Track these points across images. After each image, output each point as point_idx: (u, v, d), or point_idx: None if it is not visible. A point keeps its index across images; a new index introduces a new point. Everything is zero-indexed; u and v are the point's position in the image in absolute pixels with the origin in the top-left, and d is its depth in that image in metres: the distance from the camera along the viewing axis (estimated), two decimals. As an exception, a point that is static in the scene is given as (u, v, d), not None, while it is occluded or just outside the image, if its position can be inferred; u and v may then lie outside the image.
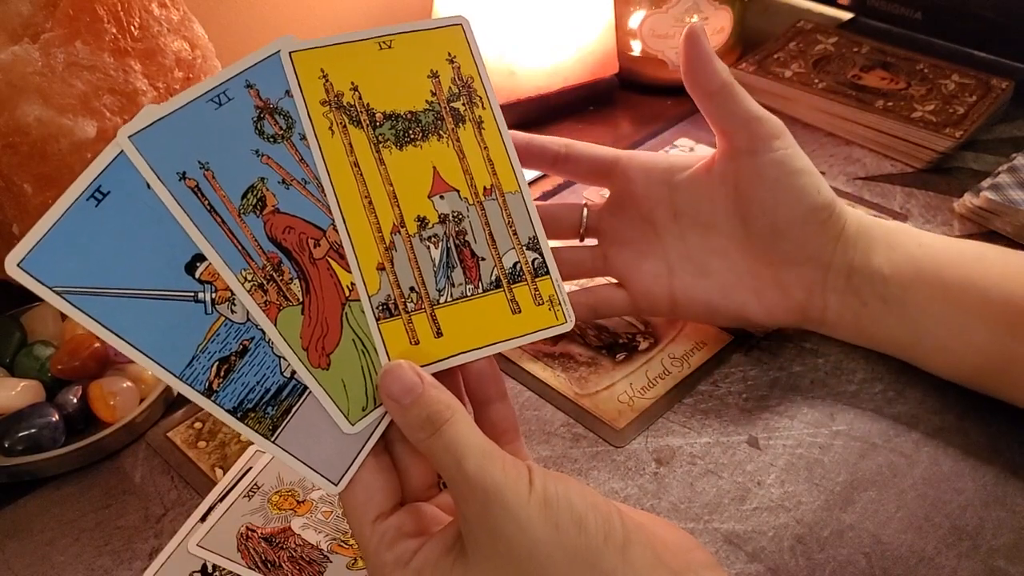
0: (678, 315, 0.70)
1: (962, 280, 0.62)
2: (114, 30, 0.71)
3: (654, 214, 0.68)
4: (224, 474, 0.63)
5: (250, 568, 0.56)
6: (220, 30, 0.96)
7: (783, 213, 0.64)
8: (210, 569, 0.57)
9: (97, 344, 0.67)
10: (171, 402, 0.68)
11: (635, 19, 1.02)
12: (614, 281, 0.70)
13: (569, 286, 0.71)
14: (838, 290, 0.65)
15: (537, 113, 0.99)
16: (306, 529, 0.59)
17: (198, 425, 0.67)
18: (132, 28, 0.72)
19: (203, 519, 0.59)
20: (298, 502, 0.60)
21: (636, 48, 1.04)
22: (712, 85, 0.63)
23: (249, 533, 0.58)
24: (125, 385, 0.66)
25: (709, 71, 0.63)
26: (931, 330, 0.63)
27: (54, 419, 0.63)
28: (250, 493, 0.61)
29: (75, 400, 0.65)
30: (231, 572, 0.56)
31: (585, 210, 0.70)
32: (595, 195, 0.87)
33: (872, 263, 0.64)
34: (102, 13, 0.70)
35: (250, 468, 0.63)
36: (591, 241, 0.71)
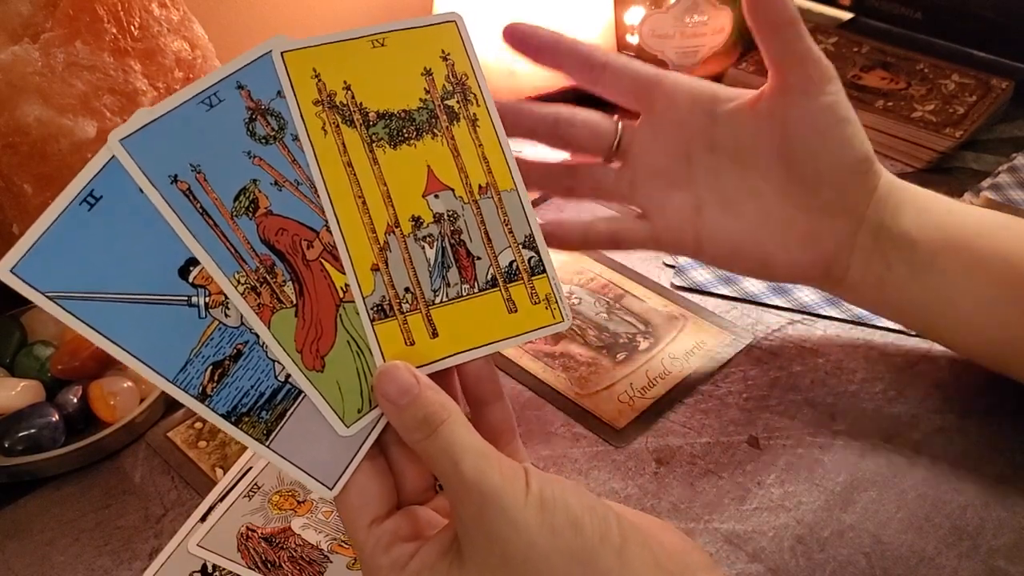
0: (700, 255, 0.66)
1: (989, 249, 0.61)
2: (114, 30, 0.71)
3: (691, 143, 0.65)
4: (224, 474, 0.63)
5: (250, 568, 0.56)
6: (220, 30, 0.96)
7: (828, 159, 0.61)
8: (210, 569, 0.57)
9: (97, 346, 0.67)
10: (171, 402, 0.68)
11: (635, 19, 1.02)
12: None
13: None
14: (865, 249, 0.62)
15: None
16: (306, 529, 0.59)
17: (198, 425, 0.67)
18: (132, 28, 0.72)
19: (203, 519, 0.59)
20: (298, 502, 0.60)
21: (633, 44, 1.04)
22: (780, 18, 0.60)
23: (249, 533, 0.58)
24: (125, 385, 0.66)
25: (779, 3, 0.60)
26: (955, 300, 0.62)
27: (54, 419, 0.64)
28: (250, 493, 0.61)
29: (75, 400, 0.66)
30: (231, 572, 0.57)
31: (620, 125, 0.66)
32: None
33: (901, 225, 0.62)
34: (102, 13, 0.70)
35: (250, 468, 0.63)
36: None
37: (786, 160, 0.62)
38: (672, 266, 0.80)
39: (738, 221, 0.64)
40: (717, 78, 1.05)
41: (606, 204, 0.69)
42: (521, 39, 0.64)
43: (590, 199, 0.68)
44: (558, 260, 0.74)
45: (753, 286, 0.77)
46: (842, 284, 0.65)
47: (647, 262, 0.80)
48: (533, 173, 0.65)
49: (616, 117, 0.66)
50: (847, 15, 1.19)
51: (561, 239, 0.65)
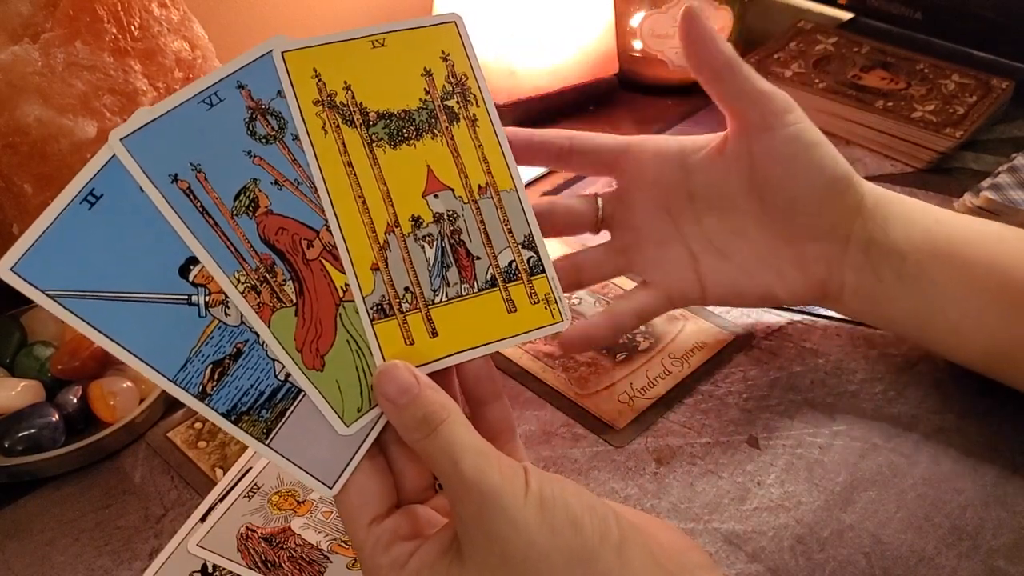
0: (709, 301, 0.67)
1: (980, 259, 0.62)
2: (114, 30, 0.71)
3: (669, 200, 0.66)
4: (224, 474, 0.63)
5: (250, 568, 0.56)
6: (220, 30, 0.96)
7: (801, 187, 0.63)
8: (210, 569, 0.57)
9: (96, 344, 0.67)
10: (171, 402, 0.68)
11: (635, 19, 1.02)
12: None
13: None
14: (856, 265, 0.64)
15: (537, 113, 0.99)
16: (306, 529, 0.59)
17: (198, 425, 0.67)
18: (132, 28, 0.72)
19: (203, 519, 0.59)
20: (298, 502, 0.60)
21: (637, 46, 1.04)
22: (716, 63, 0.62)
23: (249, 533, 0.58)
24: (125, 385, 0.66)
25: (712, 49, 0.62)
26: (945, 310, 0.63)
27: (54, 419, 0.64)
28: (250, 493, 0.61)
29: (75, 400, 0.66)
30: (231, 572, 0.56)
31: (599, 199, 0.68)
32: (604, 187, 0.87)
33: (890, 238, 0.63)
34: (102, 13, 0.70)
35: (250, 468, 0.63)
36: (603, 235, 0.69)
37: (759, 196, 0.64)
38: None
39: (731, 262, 0.66)
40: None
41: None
42: None
43: (596, 283, 0.70)
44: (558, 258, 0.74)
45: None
46: (840, 301, 0.66)
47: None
48: None
49: (594, 194, 0.68)
50: (847, 15, 1.19)
51: (594, 341, 0.67)
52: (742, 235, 0.65)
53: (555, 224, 0.68)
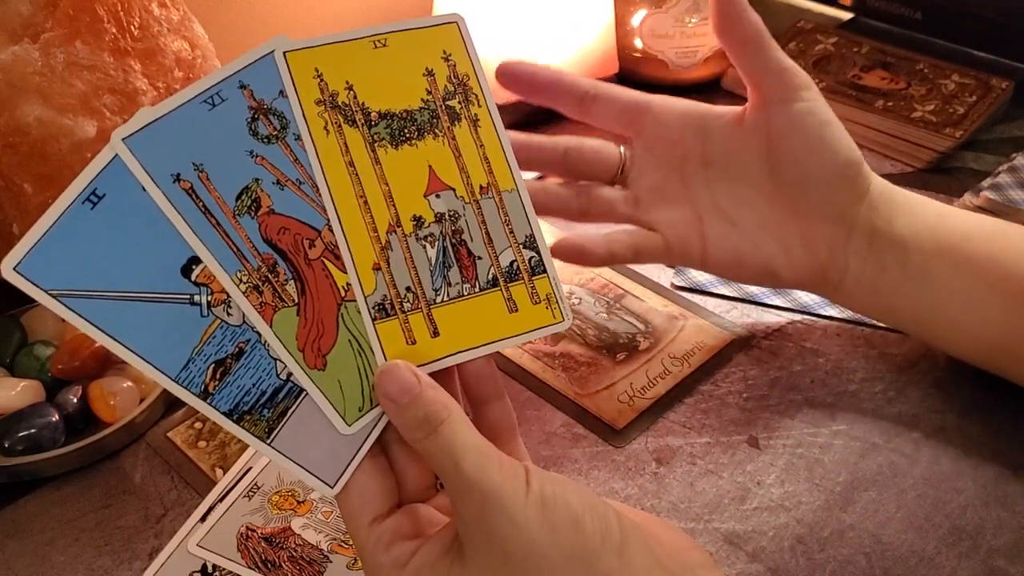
0: (708, 266, 0.68)
1: (982, 254, 0.62)
2: (114, 30, 0.71)
3: (685, 161, 0.67)
4: (224, 474, 0.63)
5: (250, 568, 0.56)
6: (220, 30, 0.96)
7: (814, 165, 0.63)
8: (210, 569, 0.57)
9: (97, 344, 0.67)
10: (171, 402, 0.68)
11: (635, 19, 1.02)
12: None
13: (608, 228, 0.69)
14: (859, 254, 0.64)
15: (537, 113, 0.99)
16: (306, 529, 0.59)
17: (198, 425, 0.67)
18: (132, 28, 0.72)
19: (203, 519, 0.59)
20: (298, 502, 0.60)
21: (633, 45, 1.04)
22: (747, 33, 0.63)
23: (249, 533, 0.58)
24: (125, 385, 0.66)
25: (744, 20, 0.63)
26: (947, 302, 0.63)
27: (54, 419, 0.64)
28: (250, 493, 0.61)
29: (75, 400, 0.66)
30: (231, 572, 0.57)
31: (623, 149, 0.69)
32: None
33: (894, 229, 0.63)
34: (102, 13, 0.70)
35: (250, 468, 0.63)
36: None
37: (773, 168, 0.65)
38: (672, 266, 0.80)
39: (737, 230, 0.66)
40: (717, 78, 1.05)
41: (615, 224, 0.70)
42: (514, 78, 0.66)
43: (602, 221, 0.69)
44: (558, 260, 0.74)
45: (753, 286, 0.77)
46: (841, 290, 0.66)
47: (647, 262, 0.80)
48: (546, 199, 0.68)
49: (618, 142, 0.68)
50: (847, 15, 1.19)
51: (586, 257, 0.66)
52: (751, 205, 0.66)
53: (581, 165, 0.68)
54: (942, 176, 0.91)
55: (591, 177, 0.69)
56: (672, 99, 0.68)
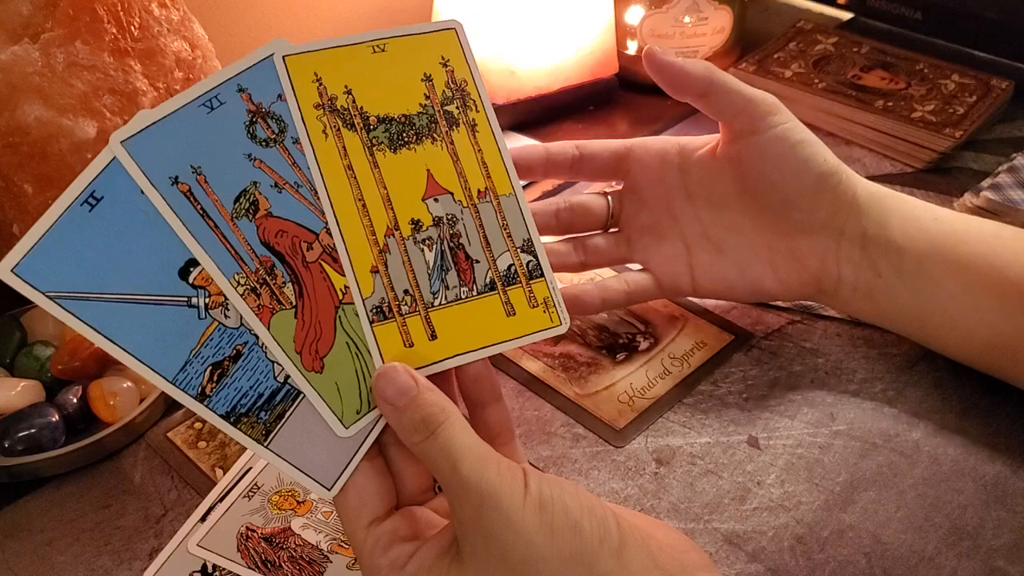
0: (699, 294, 0.70)
1: (978, 256, 0.62)
2: (114, 30, 0.71)
3: (669, 197, 0.69)
4: (224, 474, 0.63)
5: (250, 568, 0.57)
6: (220, 30, 0.96)
7: (791, 185, 0.64)
8: (210, 569, 0.57)
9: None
10: (171, 402, 0.68)
11: (634, 19, 1.02)
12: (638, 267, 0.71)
13: (602, 273, 0.73)
14: (853, 260, 0.65)
15: (537, 113, 0.99)
16: (306, 529, 0.59)
17: (198, 425, 0.67)
18: (132, 28, 0.72)
19: (203, 519, 0.59)
20: (298, 502, 0.61)
21: (632, 48, 1.04)
22: (699, 88, 0.64)
23: (249, 533, 0.58)
24: (125, 385, 0.66)
25: (688, 80, 0.64)
26: (944, 305, 0.63)
27: (54, 419, 0.64)
28: (250, 493, 0.61)
29: (75, 400, 0.66)
30: (231, 572, 0.57)
31: (609, 198, 0.71)
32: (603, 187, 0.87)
33: (887, 234, 0.64)
34: (102, 13, 0.70)
35: (250, 468, 0.63)
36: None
37: (751, 195, 0.66)
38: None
39: (725, 257, 0.68)
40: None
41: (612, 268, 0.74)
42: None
43: (600, 267, 0.73)
44: (567, 271, 0.74)
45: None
46: (837, 297, 0.67)
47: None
48: (551, 257, 0.69)
49: (603, 192, 0.71)
50: (847, 15, 1.19)
51: (582, 308, 0.68)
52: (737, 231, 0.67)
53: (573, 222, 0.70)
54: (942, 176, 0.91)
55: (584, 230, 0.71)
56: (650, 140, 0.70)
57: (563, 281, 0.72)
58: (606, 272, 0.76)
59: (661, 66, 0.64)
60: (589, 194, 0.71)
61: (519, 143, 0.73)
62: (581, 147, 0.69)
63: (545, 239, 0.69)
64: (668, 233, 0.69)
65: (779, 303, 0.75)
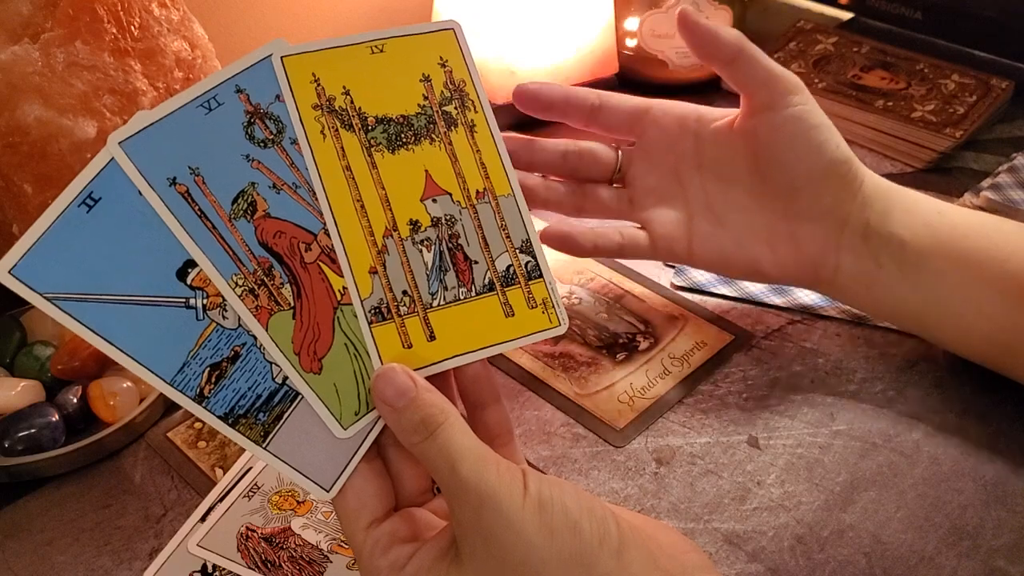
0: (694, 262, 0.69)
1: (981, 250, 0.62)
2: (114, 30, 0.71)
3: (680, 164, 0.69)
4: (224, 474, 0.63)
5: (250, 568, 0.57)
6: (220, 30, 0.96)
7: (802, 167, 0.64)
8: (210, 569, 0.57)
9: (95, 346, 0.67)
10: (171, 402, 0.68)
11: (634, 19, 1.02)
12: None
13: (595, 222, 0.72)
14: (854, 250, 0.65)
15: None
16: (306, 529, 0.59)
17: (198, 425, 0.67)
18: (132, 28, 0.72)
19: (203, 519, 0.59)
20: (298, 502, 0.61)
21: (632, 45, 1.04)
22: (729, 54, 0.64)
23: (249, 533, 0.58)
24: (125, 385, 0.66)
25: (719, 45, 0.64)
26: (945, 298, 0.63)
27: (54, 419, 0.64)
28: (250, 493, 0.61)
29: (75, 400, 0.66)
30: (231, 572, 0.57)
31: (619, 151, 0.70)
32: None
33: (889, 226, 0.64)
34: (102, 13, 0.70)
35: (250, 468, 0.63)
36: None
37: (761, 173, 0.66)
38: (672, 266, 0.80)
39: (725, 231, 0.68)
40: (717, 78, 1.05)
41: (609, 220, 0.72)
42: (531, 99, 0.68)
43: (595, 217, 0.71)
44: (558, 259, 0.74)
45: (753, 286, 0.77)
46: (834, 285, 0.67)
47: (647, 262, 0.80)
48: (545, 193, 0.69)
49: (615, 145, 0.70)
50: (847, 15, 1.19)
51: (573, 246, 0.68)
52: (741, 207, 0.67)
53: (580, 167, 0.70)
54: (942, 176, 0.91)
55: (589, 178, 0.70)
56: (670, 103, 0.69)
57: (558, 217, 0.71)
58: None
59: (694, 28, 0.64)
60: (600, 144, 0.70)
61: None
62: (602, 96, 0.69)
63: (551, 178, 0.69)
64: (672, 198, 0.69)
65: (779, 303, 0.75)
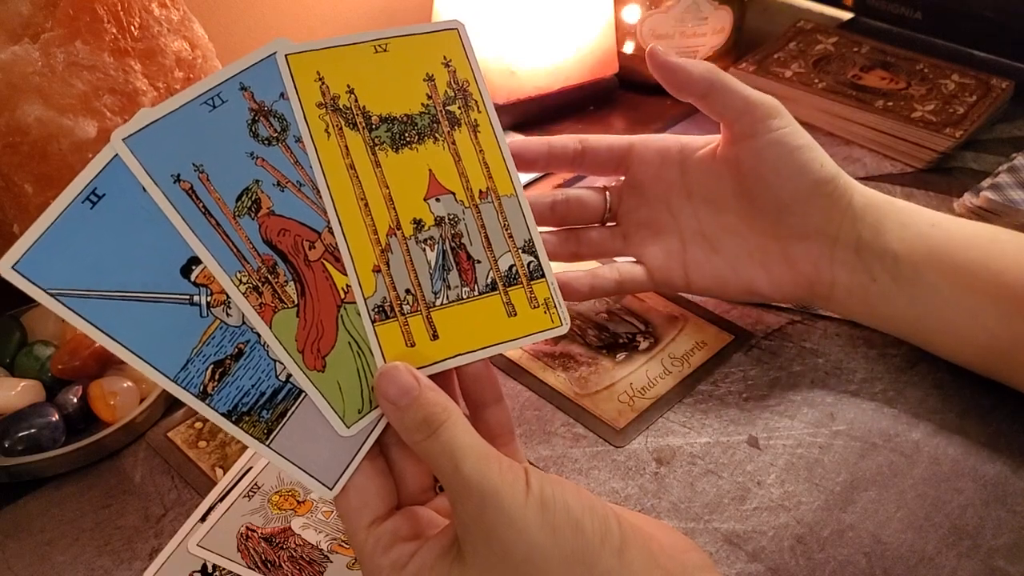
0: (692, 290, 0.70)
1: (975, 261, 0.63)
2: (114, 30, 0.71)
3: (668, 195, 0.69)
4: (224, 474, 0.63)
5: (250, 568, 0.56)
6: (220, 30, 0.96)
7: (787, 189, 0.65)
8: (210, 569, 0.57)
9: (97, 344, 0.67)
10: (171, 402, 0.68)
11: (634, 19, 1.02)
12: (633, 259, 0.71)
13: (593, 264, 0.72)
14: (847, 265, 0.65)
15: (537, 113, 0.99)
16: (306, 529, 0.59)
17: (198, 425, 0.67)
18: (132, 28, 0.72)
19: (203, 519, 0.59)
20: (298, 502, 0.60)
21: (629, 48, 1.04)
22: (700, 88, 0.65)
23: (249, 533, 0.58)
24: (125, 385, 0.66)
25: (690, 80, 0.65)
26: (940, 310, 0.64)
27: (54, 419, 0.64)
28: (250, 493, 0.61)
29: (75, 400, 0.65)
30: (231, 572, 0.57)
31: (608, 194, 0.71)
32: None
33: (882, 239, 0.64)
34: (102, 13, 0.70)
35: (250, 468, 0.63)
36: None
37: (748, 197, 0.67)
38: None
39: (719, 256, 0.68)
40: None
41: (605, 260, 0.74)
42: (515, 158, 0.68)
43: (592, 259, 0.73)
44: (558, 260, 0.74)
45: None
46: (831, 300, 0.68)
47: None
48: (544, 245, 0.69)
49: (603, 187, 0.72)
50: (847, 15, 1.19)
51: (569, 293, 0.68)
52: (733, 232, 0.68)
53: (570, 215, 0.71)
54: (942, 176, 0.91)
55: (581, 223, 0.72)
56: (651, 137, 0.70)
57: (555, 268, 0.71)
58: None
59: (663, 65, 0.65)
60: (586, 189, 0.71)
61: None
62: (583, 141, 0.69)
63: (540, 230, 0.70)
64: (665, 229, 0.70)
65: (779, 303, 0.75)
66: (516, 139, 0.69)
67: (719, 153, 0.67)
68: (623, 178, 0.71)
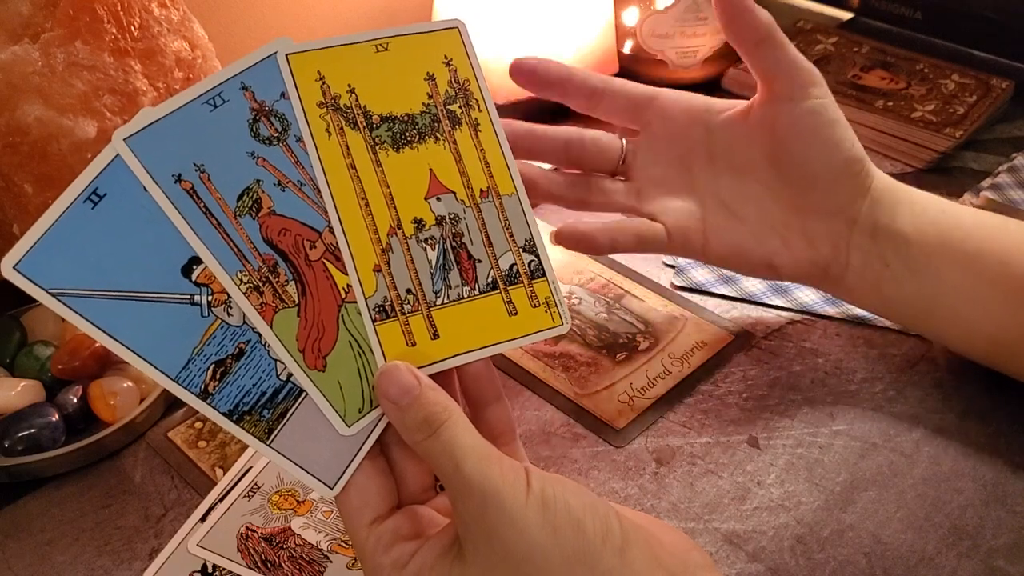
0: (709, 258, 0.68)
1: (984, 250, 0.62)
2: (114, 30, 0.71)
3: (690, 155, 0.68)
4: (224, 474, 0.63)
5: (250, 568, 0.57)
6: (220, 30, 0.96)
7: (818, 163, 0.64)
8: (210, 569, 0.57)
9: (97, 344, 0.67)
10: (171, 402, 0.68)
11: (634, 19, 1.02)
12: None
13: (610, 216, 0.68)
14: (862, 248, 0.64)
15: (537, 113, 0.99)
16: (306, 529, 0.59)
17: (198, 425, 0.67)
18: (132, 28, 0.72)
19: (203, 519, 0.59)
20: (298, 502, 0.60)
21: (629, 48, 1.04)
22: (758, 35, 0.63)
23: (249, 533, 0.58)
24: (125, 385, 0.66)
25: (752, 22, 0.63)
26: (948, 297, 0.63)
27: (54, 419, 0.64)
28: (250, 493, 0.61)
29: (75, 400, 0.65)
30: (231, 572, 0.57)
31: (624, 142, 0.69)
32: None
33: (896, 224, 0.64)
34: (102, 13, 0.70)
35: (250, 468, 0.63)
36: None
37: (778, 165, 0.65)
38: (672, 266, 0.80)
39: (740, 224, 0.66)
40: (717, 79, 1.05)
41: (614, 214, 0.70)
42: (527, 74, 0.66)
43: (601, 211, 0.69)
44: (558, 260, 0.74)
45: (753, 286, 0.77)
46: (842, 284, 0.66)
47: (647, 262, 0.80)
48: (547, 185, 0.67)
49: (620, 134, 0.68)
50: (847, 15, 1.19)
51: (589, 244, 0.66)
52: (755, 200, 0.66)
53: (582, 156, 0.68)
54: (942, 176, 0.91)
55: (593, 168, 0.69)
56: (678, 93, 0.68)
57: (573, 217, 0.68)
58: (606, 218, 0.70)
59: (733, 1, 0.63)
60: (604, 132, 0.69)
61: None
62: (607, 81, 0.67)
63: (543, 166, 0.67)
64: (682, 191, 0.68)
65: (779, 303, 0.75)
66: (533, 56, 0.66)
67: (753, 114, 0.65)
68: (636, 134, 0.69)
